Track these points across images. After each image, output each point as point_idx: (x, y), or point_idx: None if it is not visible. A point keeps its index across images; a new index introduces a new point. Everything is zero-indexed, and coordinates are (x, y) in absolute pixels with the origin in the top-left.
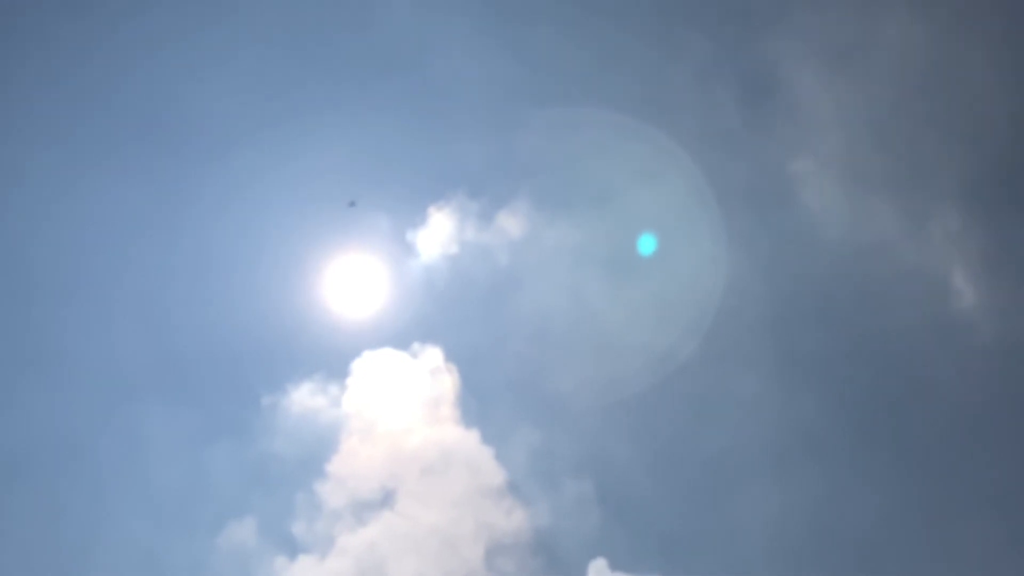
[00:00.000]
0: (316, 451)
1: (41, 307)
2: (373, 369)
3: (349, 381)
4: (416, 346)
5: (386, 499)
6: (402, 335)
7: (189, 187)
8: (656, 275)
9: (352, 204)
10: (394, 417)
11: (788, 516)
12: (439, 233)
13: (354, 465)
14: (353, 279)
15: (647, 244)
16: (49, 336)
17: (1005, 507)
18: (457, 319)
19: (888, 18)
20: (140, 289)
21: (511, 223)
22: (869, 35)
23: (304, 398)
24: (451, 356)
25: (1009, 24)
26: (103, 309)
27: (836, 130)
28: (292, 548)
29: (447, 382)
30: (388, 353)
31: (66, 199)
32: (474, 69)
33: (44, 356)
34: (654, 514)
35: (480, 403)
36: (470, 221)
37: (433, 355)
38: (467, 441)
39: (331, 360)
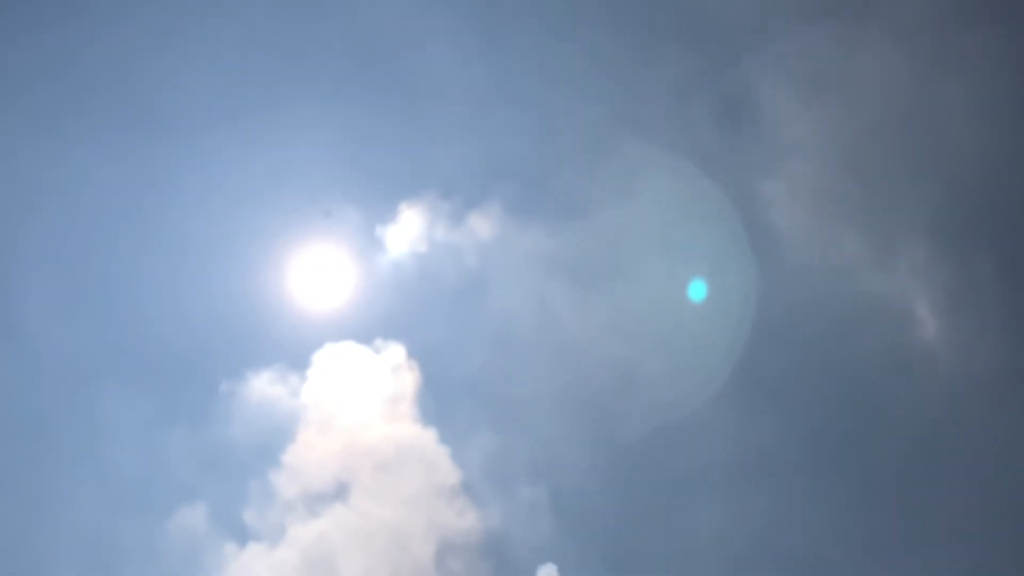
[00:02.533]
0: (272, 440)
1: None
2: (334, 362)
3: (309, 372)
4: (379, 342)
5: (339, 492)
6: (365, 330)
7: (157, 172)
8: (623, 286)
9: (328, 214)
10: (352, 411)
11: (738, 535)
12: (409, 230)
13: (309, 457)
14: (318, 271)
15: (618, 257)
16: (5, 314)
17: (954, 540)
18: (422, 317)
19: (868, 48)
20: (100, 270)
21: (482, 225)
22: (848, 64)
23: (263, 386)
24: (413, 354)
25: (987, 62)
26: (62, 288)
27: (809, 156)
28: (242, 535)
29: (408, 379)
30: (350, 347)
31: (30, 176)
32: (455, 70)
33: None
34: (606, 525)
35: (440, 402)
36: (441, 220)
37: (395, 352)
38: (424, 439)
39: (292, 350)
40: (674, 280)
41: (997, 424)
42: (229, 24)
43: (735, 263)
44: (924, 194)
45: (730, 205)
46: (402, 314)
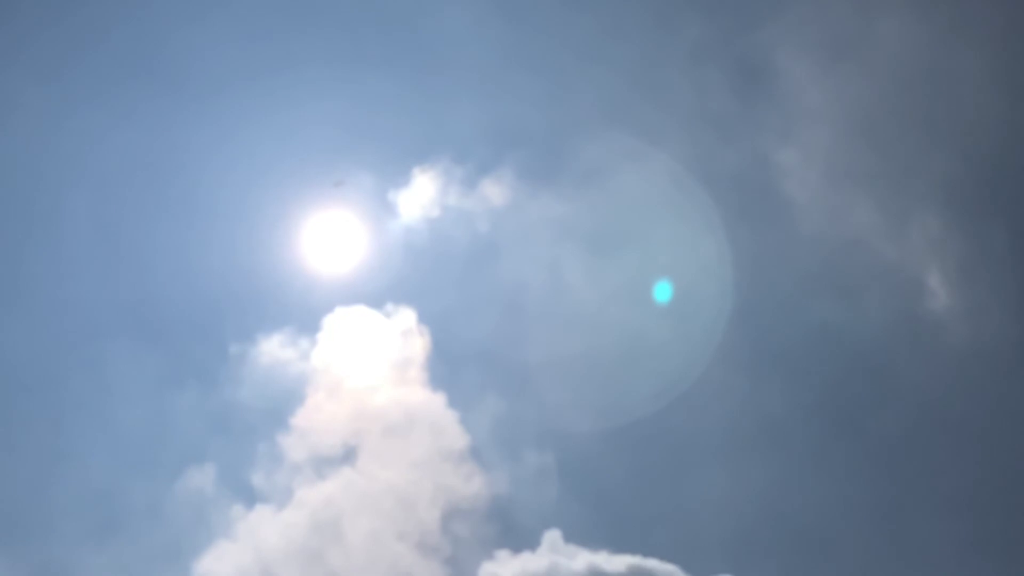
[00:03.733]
0: (281, 403)
1: (20, 237)
2: (345, 325)
3: (320, 336)
4: (390, 306)
5: (347, 456)
6: (376, 294)
7: (175, 131)
8: (633, 254)
9: (339, 183)
10: (362, 375)
11: (744, 502)
12: (421, 195)
13: (318, 420)
14: (331, 234)
15: (629, 225)
16: (18, 267)
17: (960, 509)
18: (433, 282)
19: (885, 16)
20: (115, 229)
21: (494, 191)
22: (865, 31)
23: (273, 349)
24: (424, 318)
25: (1002, 32)
26: (76, 247)
27: (824, 123)
28: (250, 497)
29: (418, 344)
30: (361, 311)
31: (52, 133)
32: (470, 36)
33: (17, 286)
34: (611, 491)
35: (449, 367)
36: (453, 186)
37: (406, 316)
38: (433, 404)
39: (303, 313)
40: (685, 248)
41: (1006, 395)
42: None
43: (748, 235)
44: (939, 164)
45: (743, 172)
46: (413, 279)
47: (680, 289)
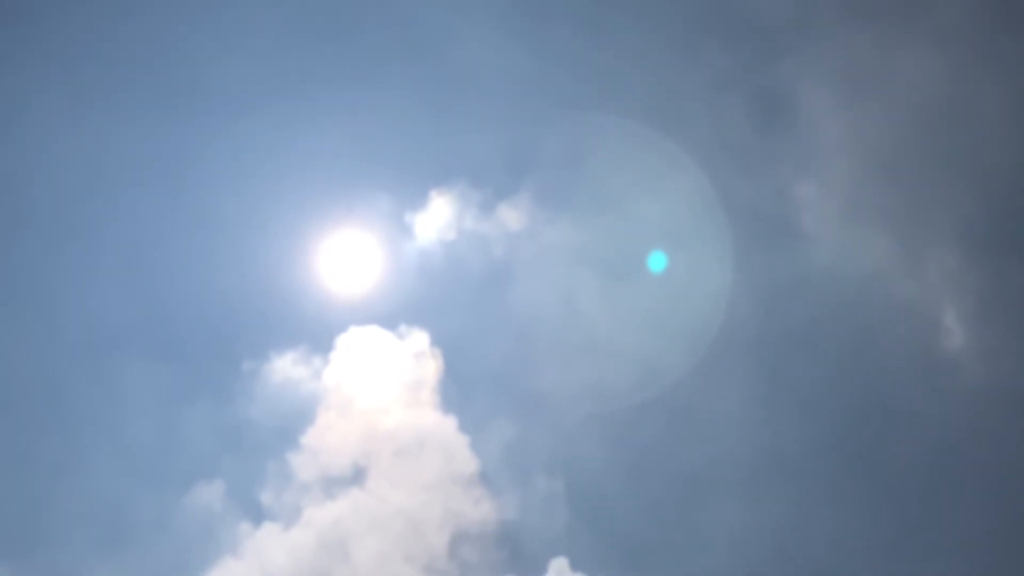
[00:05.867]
0: (292, 421)
1: (30, 246)
2: (358, 346)
3: (333, 355)
4: (403, 328)
5: (357, 476)
6: (390, 315)
7: (192, 148)
8: (652, 285)
9: (350, 211)
10: (374, 396)
11: (755, 536)
12: (438, 218)
13: (328, 439)
14: (347, 254)
15: (646, 254)
16: (34, 277)
17: (975, 548)
18: (447, 305)
19: (906, 51)
20: (131, 244)
21: (511, 216)
22: (885, 67)
23: (286, 367)
24: (437, 341)
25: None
26: (91, 260)
27: (843, 158)
28: (258, 515)
29: (430, 367)
30: (374, 331)
31: (66, 137)
32: (491, 61)
33: (27, 297)
34: (620, 520)
35: (461, 391)
36: (470, 210)
37: (419, 338)
38: (444, 427)
39: (316, 332)
40: (701, 277)
41: (1022, 434)
42: (267, 8)
43: (766, 267)
44: (958, 200)
45: (761, 204)
46: (428, 301)
47: (696, 319)
